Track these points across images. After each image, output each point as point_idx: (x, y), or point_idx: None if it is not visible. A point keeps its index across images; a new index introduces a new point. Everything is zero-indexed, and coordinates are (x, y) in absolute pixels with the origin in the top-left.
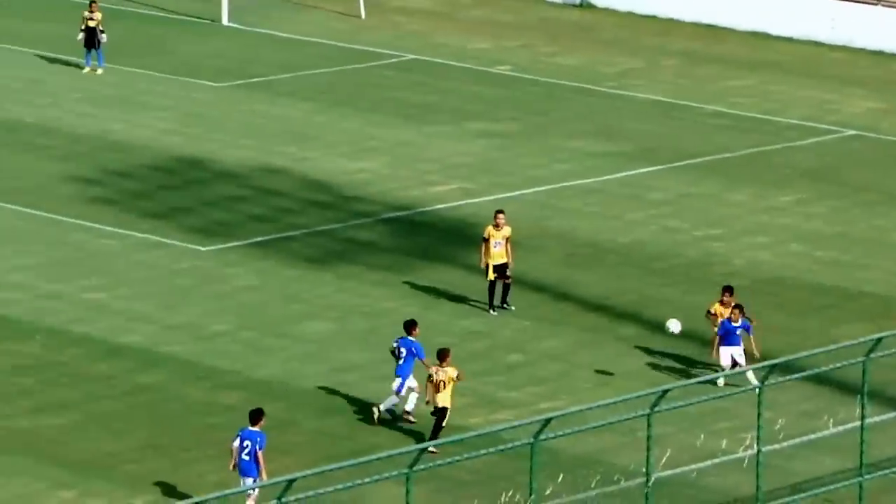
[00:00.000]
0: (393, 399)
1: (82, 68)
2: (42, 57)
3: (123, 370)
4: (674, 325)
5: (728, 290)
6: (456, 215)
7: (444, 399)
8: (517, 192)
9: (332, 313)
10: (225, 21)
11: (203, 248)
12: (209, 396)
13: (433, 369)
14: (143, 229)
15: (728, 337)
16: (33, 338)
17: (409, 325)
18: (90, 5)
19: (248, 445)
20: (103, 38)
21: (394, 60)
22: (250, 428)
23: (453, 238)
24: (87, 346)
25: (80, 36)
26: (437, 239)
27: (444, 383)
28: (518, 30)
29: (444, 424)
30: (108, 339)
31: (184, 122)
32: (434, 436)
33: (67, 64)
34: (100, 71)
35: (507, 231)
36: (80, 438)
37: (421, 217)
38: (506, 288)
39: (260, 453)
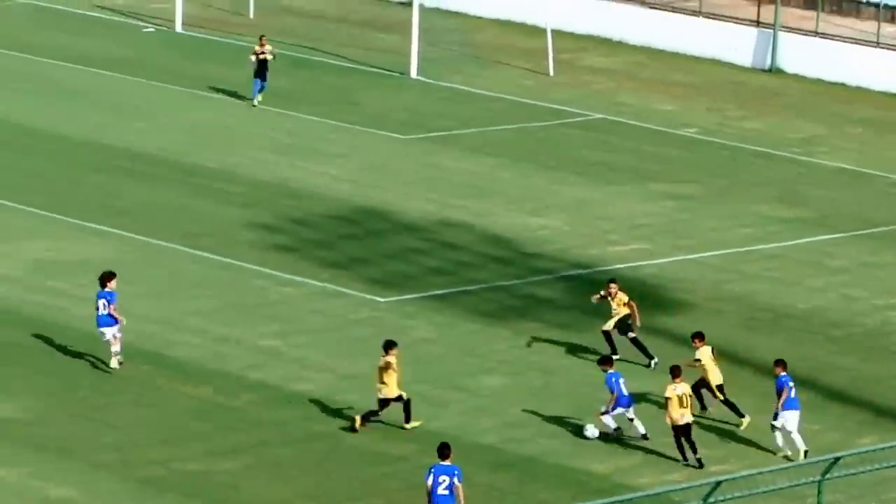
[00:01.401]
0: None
1: (252, 103)
2: (224, 102)
3: (297, 417)
4: (590, 431)
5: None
6: (636, 275)
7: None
8: (698, 255)
9: (507, 368)
10: (413, 74)
11: (381, 300)
12: (381, 446)
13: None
14: (321, 278)
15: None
16: (209, 382)
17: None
18: (259, 39)
19: (444, 480)
20: (270, 57)
21: (579, 119)
22: (442, 463)
23: (632, 298)
24: (261, 393)
25: (252, 66)
26: None
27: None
28: (704, 92)
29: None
30: (283, 386)
31: (366, 172)
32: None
33: (248, 109)
34: (259, 98)
35: (622, 297)
36: (252, 483)
37: (600, 276)
38: (634, 342)
39: (459, 486)
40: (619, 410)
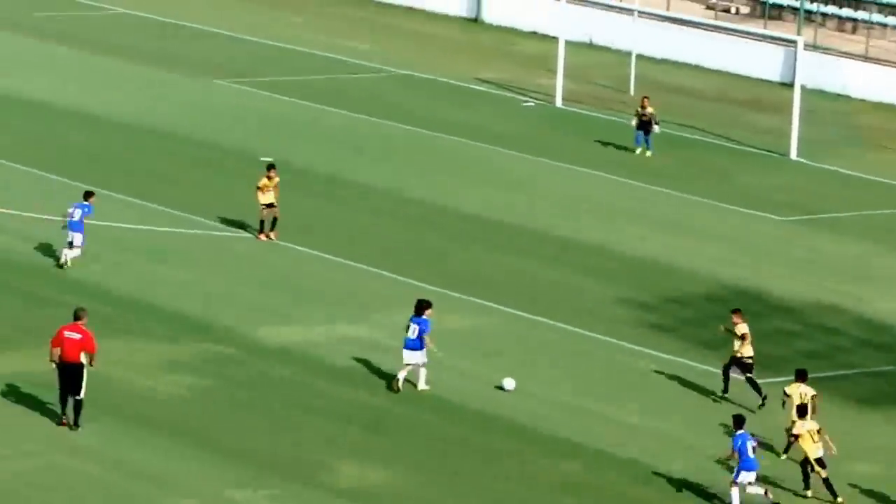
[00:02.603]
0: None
1: (634, 150)
2: (602, 178)
3: (664, 498)
4: (508, 384)
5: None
6: None
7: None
8: None
9: (880, 455)
10: (793, 156)
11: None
12: None
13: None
14: (694, 358)
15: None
16: (574, 457)
17: None
18: (642, 100)
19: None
20: (656, 128)
21: None
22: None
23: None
24: (628, 471)
25: (634, 121)
26: None
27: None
28: None
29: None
30: (651, 464)
31: (742, 252)
32: None
33: (629, 187)
34: (648, 154)
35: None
36: None
37: None
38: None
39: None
40: (744, 476)
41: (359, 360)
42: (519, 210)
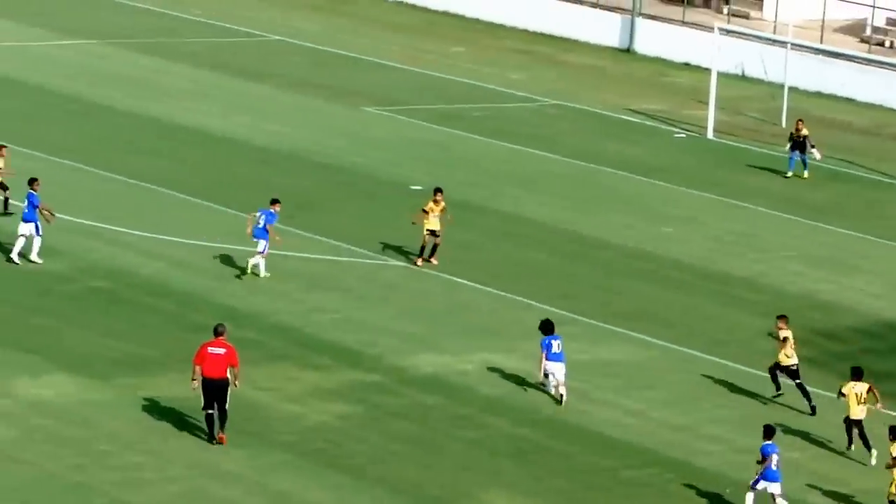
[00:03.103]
0: None
1: (786, 174)
2: (754, 211)
3: None
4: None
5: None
6: None
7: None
8: None
9: None
10: None
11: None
12: None
13: None
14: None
15: None
16: (724, 490)
17: None
18: (797, 123)
19: None
20: (815, 153)
21: None
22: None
23: None
24: None
25: (789, 144)
26: None
27: None
28: None
29: None
30: (801, 499)
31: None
32: None
33: (778, 218)
34: (805, 174)
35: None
36: None
37: None
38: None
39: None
40: (763, 485)
41: (507, 389)
42: (674, 243)
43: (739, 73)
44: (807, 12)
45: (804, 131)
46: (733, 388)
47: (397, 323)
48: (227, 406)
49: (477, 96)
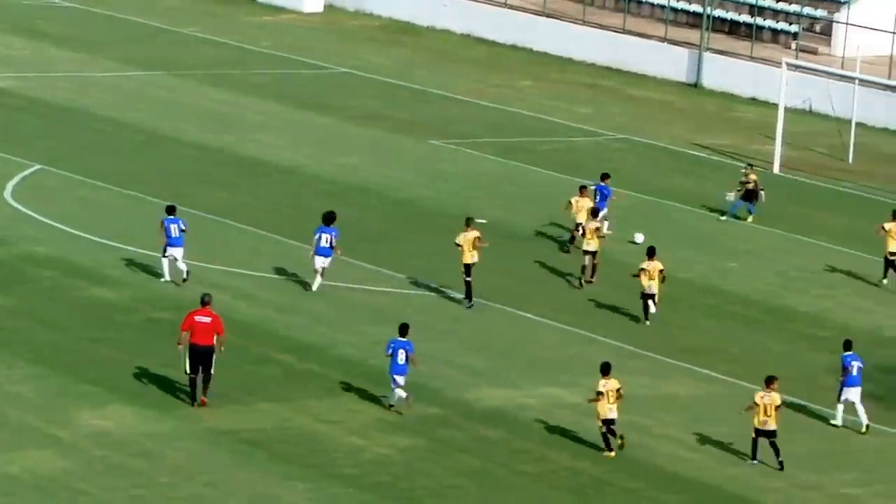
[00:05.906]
0: None
1: (723, 214)
2: (821, 247)
3: None
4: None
5: None
6: None
7: None
8: None
9: None
10: None
11: None
12: None
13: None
14: None
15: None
16: None
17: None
18: (746, 171)
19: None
20: (762, 195)
21: None
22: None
23: None
24: None
25: (733, 195)
26: None
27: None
28: None
29: None
30: None
31: None
32: None
33: (839, 254)
34: (750, 219)
35: None
36: None
37: None
38: None
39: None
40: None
41: (569, 424)
42: (739, 277)
43: (807, 108)
44: (875, 48)
45: (752, 177)
46: (797, 424)
47: (461, 356)
48: (212, 371)
49: (543, 130)
